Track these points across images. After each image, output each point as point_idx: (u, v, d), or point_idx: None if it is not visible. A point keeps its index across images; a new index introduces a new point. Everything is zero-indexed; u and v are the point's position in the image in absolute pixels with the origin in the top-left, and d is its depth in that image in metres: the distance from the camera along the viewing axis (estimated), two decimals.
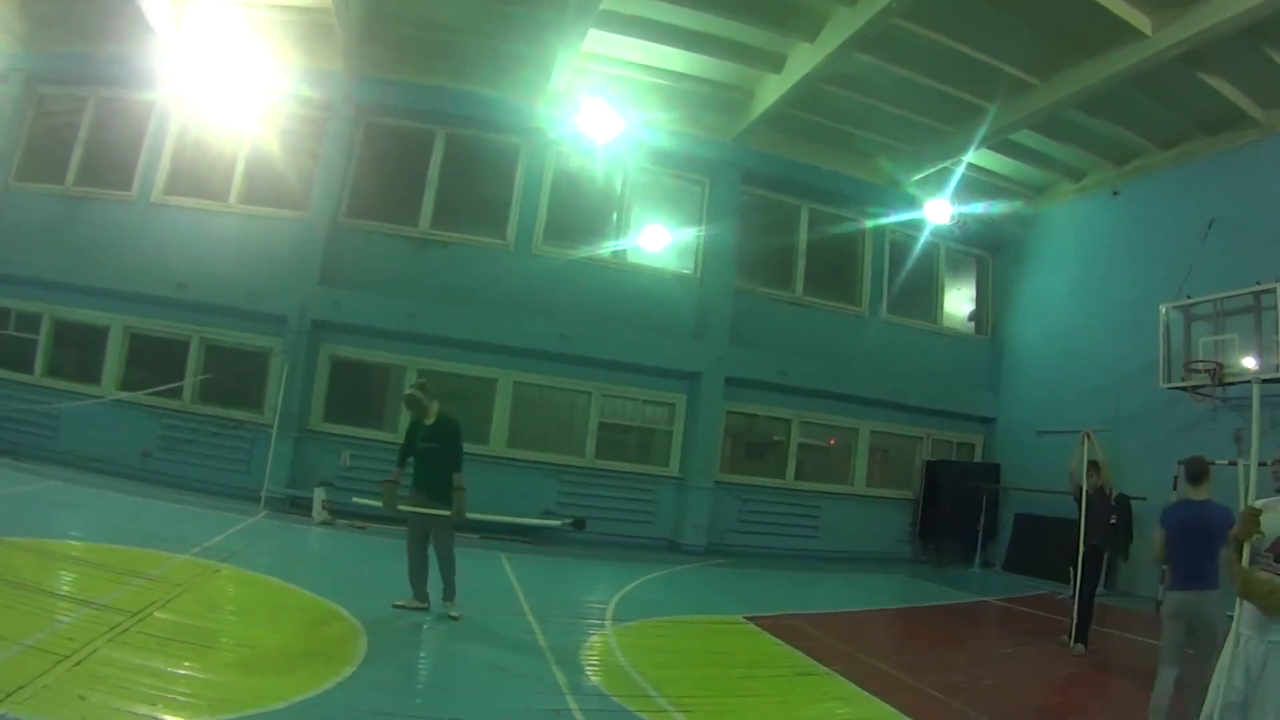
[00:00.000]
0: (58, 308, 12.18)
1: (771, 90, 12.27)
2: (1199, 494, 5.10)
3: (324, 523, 10.77)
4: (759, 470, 14.38)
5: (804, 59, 11.30)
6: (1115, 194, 13.68)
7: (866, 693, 5.47)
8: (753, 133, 13.42)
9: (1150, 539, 7.65)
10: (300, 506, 11.23)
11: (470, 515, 6.65)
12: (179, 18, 11.73)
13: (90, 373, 12.12)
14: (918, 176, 14.45)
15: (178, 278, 11.82)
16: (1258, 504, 3.76)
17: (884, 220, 15.02)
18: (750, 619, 7.71)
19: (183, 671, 4.22)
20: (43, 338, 12.17)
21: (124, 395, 11.72)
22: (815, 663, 6.21)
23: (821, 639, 7.09)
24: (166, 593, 5.68)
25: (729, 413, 13.86)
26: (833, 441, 14.98)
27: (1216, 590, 4.78)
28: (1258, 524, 3.64)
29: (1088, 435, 7.85)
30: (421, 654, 5.63)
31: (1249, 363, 10.37)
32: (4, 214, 12.17)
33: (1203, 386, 10.86)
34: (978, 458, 15.70)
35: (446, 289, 12.53)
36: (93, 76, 12.67)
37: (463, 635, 6.00)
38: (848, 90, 12.23)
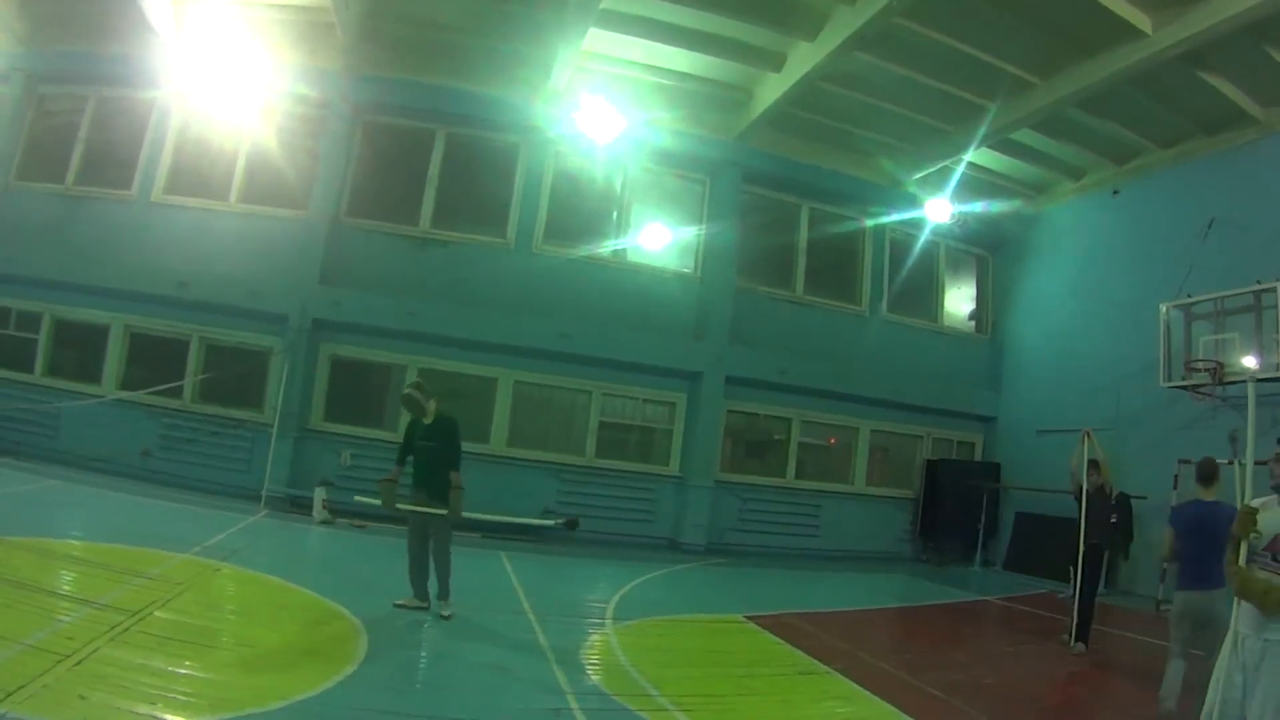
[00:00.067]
0: (58, 307, 12.19)
1: (772, 89, 12.26)
2: (1208, 495, 5.21)
3: (324, 522, 10.78)
4: (759, 469, 14.38)
5: (804, 58, 11.29)
6: (1115, 193, 13.67)
7: (867, 691, 5.48)
8: (753, 132, 13.42)
9: (1158, 538, 7.64)
10: (301, 506, 11.24)
11: (466, 514, 6.64)
12: (179, 17, 11.73)
13: (91, 372, 12.13)
14: (918, 175, 14.45)
15: (178, 277, 11.83)
16: (1255, 503, 3.76)
17: (884, 219, 15.02)
18: (750, 618, 7.72)
19: (183, 671, 4.23)
20: (43, 337, 12.18)
21: (124, 395, 11.72)
22: (816, 661, 6.21)
23: (822, 638, 7.10)
24: (167, 592, 5.69)
25: (729, 412, 13.86)
26: (833, 440, 14.98)
27: (1223, 589, 4.81)
28: (1255, 523, 3.65)
29: (1088, 434, 7.85)
30: (422, 653, 5.63)
31: (1249, 362, 10.36)
32: (4, 213, 12.18)
33: (1203, 386, 10.86)
34: (978, 457, 15.71)
35: (447, 288, 12.53)
36: (93, 76, 12.67)
37: (463, 634, 6.00)
38: (848, 89, 12.23)
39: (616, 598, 8.17)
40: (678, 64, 12.27)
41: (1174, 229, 12.18)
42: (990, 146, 13.31)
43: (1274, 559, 3.61)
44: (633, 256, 13.79)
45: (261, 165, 12.47)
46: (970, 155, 13.53)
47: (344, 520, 10.80)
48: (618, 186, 13.83)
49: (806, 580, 11.56)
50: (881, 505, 14.88)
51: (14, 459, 10.81)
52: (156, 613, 5.12)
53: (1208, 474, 5.27)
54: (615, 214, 13.77)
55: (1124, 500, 10.12)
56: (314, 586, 6.71)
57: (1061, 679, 6.91)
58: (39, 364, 12.11)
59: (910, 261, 15.31)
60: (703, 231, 13.93)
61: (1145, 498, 11.18)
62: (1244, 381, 9.92)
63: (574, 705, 4.55)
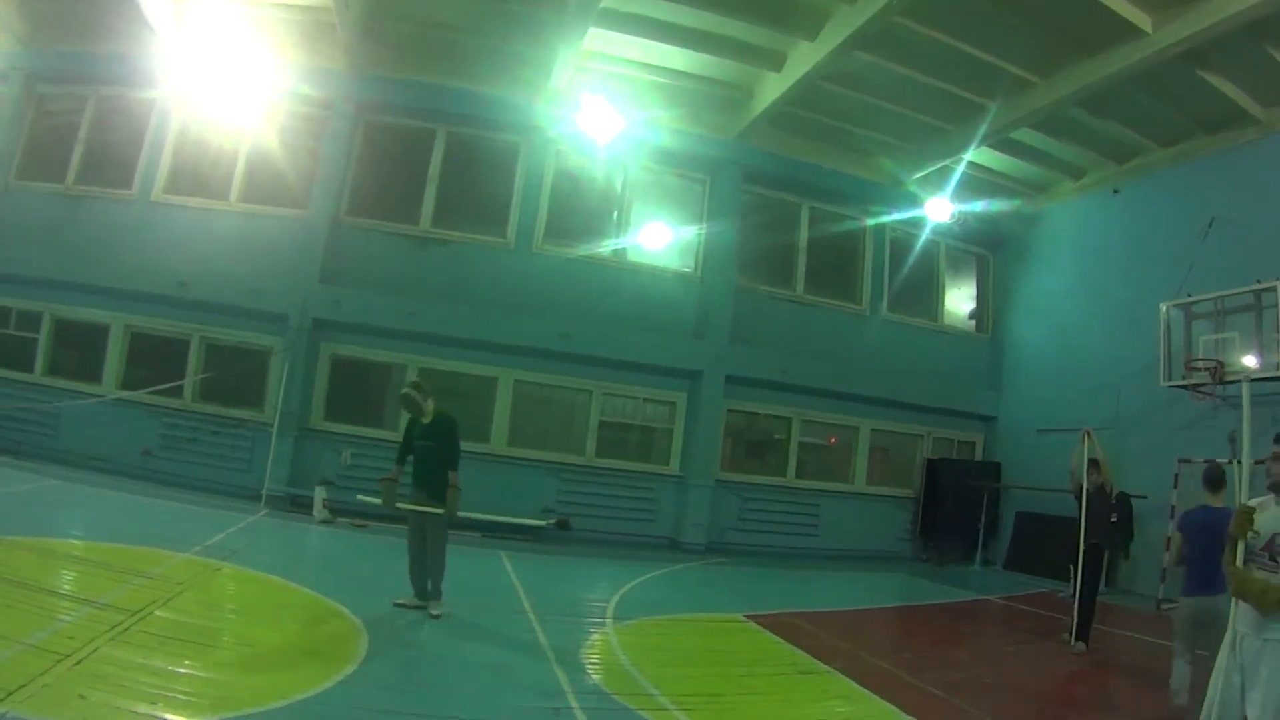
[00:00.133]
0: (58, 306, 12.19)
1: (772, 88, 12.26)
2: (1216, 500, 5.34)
3: (324, 521, 10.78)
4: (759, 469, 14.38)
5: (805, 57, 11.29)
6: (1116, 192, 13.67)
7: (867, 691, 5.48)
8: (753, 131, 13.42)
9: (1158, 538, 7.62)
10: (301, 505, 11.24)
11: (462, 513, 6.64)
12: (179, 16, 11.73)
13: (91, 371, 12.12)
14: (918, 175, 14.45)
15: (178, 276, 11.83)
16: (1252, 503, 3.76)
17: (885, 218, 15.02)
18: (751, 617, 7.72)
19: (183, 670, 4.23)
20: (43, 336, 12.18)
21: (125, 394, 11.72)
22: (816, 661, 6.21)
23: (822, 637, 7.10)
24: (167, 591, 5.69)
25: (729, 411, 13.86)
26: (833, 440, 14.97)
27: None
28: (1252, 522, 3.65)
29: (1088, 433, 7.85)
30: (422, 653, 5.63)
31: (1249, 361, 10.36)
32: (4, 213, 12.18)
33: (1203, 385, 10.86)
34: (978, 456, 15.71)
35: (447, 287, 12.53)
36: (93, 75, 12.67)
37: (463, 634, 6.01)
38: (848, 88, 12.23)
39: (617, 597, 8.17)
40: (678, 63, 12.28)
41: (1174, 228, 12.19)
42: (990, 146, 13.31)
43: (1271, 559, 3.60)
44: (633, 256, 13.79)
45: (262, 165, 12.46)
46: (970, 154, 13.54)
47: (344, 519, 10.80)
48: (618, 186, 13.82)
49: (807, 579, 11.56)
50: (882, 505, 14.88)
51: (14, 458, 10.81)
52: (157, 612, 5.12)
53: (1215, 480, 5.42)
54: (615, 213, 13.77)
55: (1124, 500, 10.11)
56: (314, 586, 6.71)
57: (1062, 678, 6.91)
58: (39, 363, 12.11)
59: (910, 261, 15.31)
60: (703, 231, 13.93)
61: (1145, 497, 11.19)
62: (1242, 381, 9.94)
63: (574, 705, 4.55)
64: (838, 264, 15.17)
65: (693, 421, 13.51)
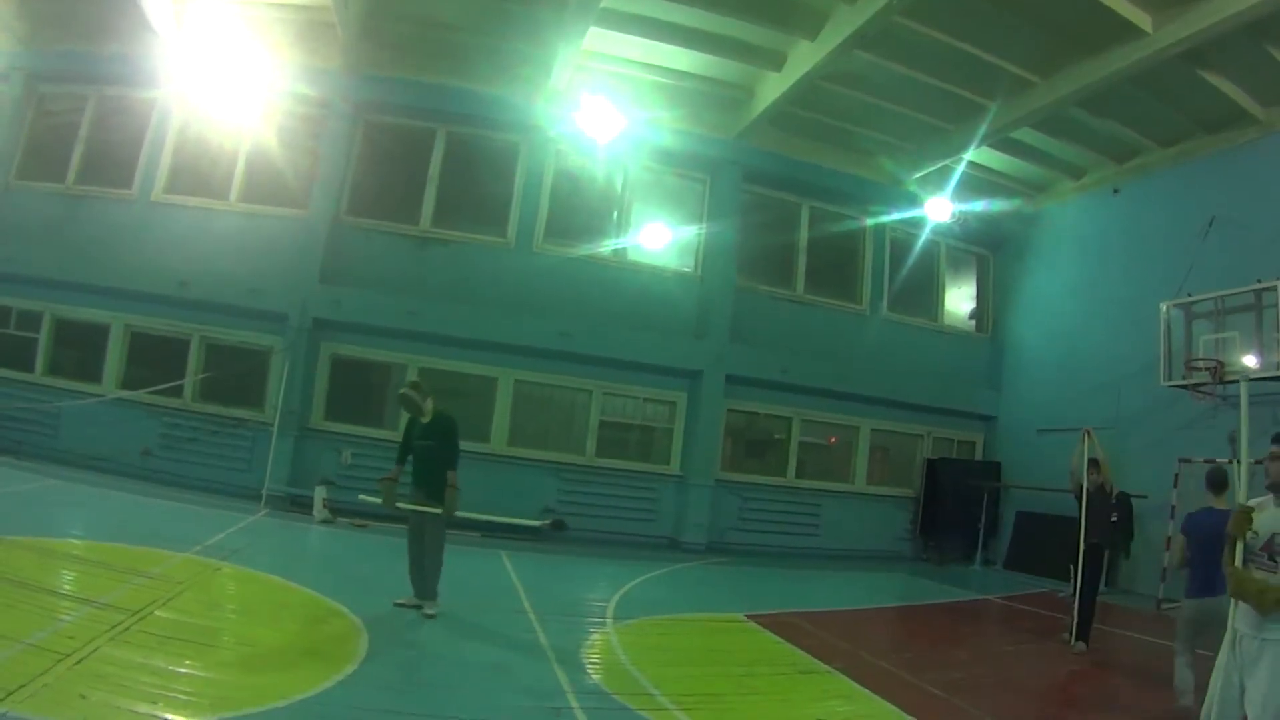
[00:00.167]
0: (58, 306, 12.20)
1: (772, 88, 12.26)
2: (1220, 503, 5.37)
3: (325, 521, 10.78)
4: (760, 468, 14.39)
5: (805, 57, 11.29)
6: (1116, 192, 13.67)
7: (867, 690, 5.48)
8: (754, 131, 13.41)
9: (1158, 537, 7.58)
10: (301, 505, 11.24)
11: (461, 513, 6.65)
12: (179, 16, 11.73)
13: (91, 371, 12.13)
14: (918, 174, 14.45)
15: (178, 276, 11.83)
16: (1251, 502, 3.76)
17: (885, 218, 15.01)
18: (751, 617, 7.72)
19: (184, 670, 4.23)
20: (43, 336, 12.19)
21: (125, 394, 11.73)
22: (816, 661, 6.21)
23: (822, 637, 7.10)
24: (167, 591, 5.69)
25: (730, 411, 13.86)
26: (833, 440, 14.98)
27: None
28: (1250, 522, 3.64)
29: (1088, 433, 7.85)
30: (422, 652, 5.63)
31: (1249, 361, 10.36)
32: (4, 213, 12.19)
33: (1203, 385, 10.86)
34: (978, 456, 15.71)
35: (447, 287, 12.53)
36: (93, 75, 12.67)
37: (463, 634, 6.00)
38: (849, 88, 12.23)
39: (617, 597, 8.17)
40: (678, 63, 12.27)
41: (1174, 228, 12.18)
42: (991, 145, 13.31)
43: (1270, 559, 3.60)
44: (633, 255, 13.79)
45: (262, 164, 12.46)
46: (970, 154, 13.54)
47: (344, 519, 10.80)
48: (618, 185, 13.82)
49: (807, 579, 11.56)
50: (882, 504, 14.88)
51: (14, 458, 10.82)
52: (157, 612, 5.12)
53: (1219, 482, 5.48)
54: (615, 213, 13.77)
55: (1124, 499, 10.11)
56: (314, 586, 6.72)
57: (1062, 678, 6.91)
58: (39, 363, 12.12)
59: (911, 260, 15.31)
60: (703, 230, 13.93)
61: (1145, 497, 11.18)
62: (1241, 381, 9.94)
63: (574, 704, 4.55)
64: (838, 264, 15.18)
65: (693, 421, 13.50)
